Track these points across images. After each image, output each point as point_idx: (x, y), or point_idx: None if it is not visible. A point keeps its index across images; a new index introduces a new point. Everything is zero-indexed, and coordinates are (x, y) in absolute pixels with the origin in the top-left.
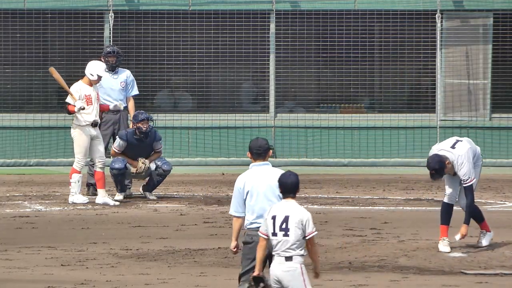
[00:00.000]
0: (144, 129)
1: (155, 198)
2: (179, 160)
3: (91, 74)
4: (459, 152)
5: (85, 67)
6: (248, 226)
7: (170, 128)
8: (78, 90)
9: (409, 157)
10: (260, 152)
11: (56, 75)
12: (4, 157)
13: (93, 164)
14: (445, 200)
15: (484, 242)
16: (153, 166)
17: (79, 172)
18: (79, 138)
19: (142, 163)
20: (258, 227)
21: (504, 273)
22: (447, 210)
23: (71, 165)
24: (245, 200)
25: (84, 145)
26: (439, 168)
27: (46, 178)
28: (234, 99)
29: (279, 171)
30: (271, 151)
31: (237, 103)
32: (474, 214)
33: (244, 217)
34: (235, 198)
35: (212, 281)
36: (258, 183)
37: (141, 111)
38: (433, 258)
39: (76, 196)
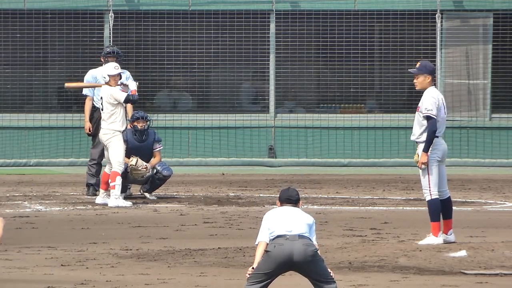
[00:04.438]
0: (139, 127)
1: (155, 198)
2: (179, 160)
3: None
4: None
5: (85, 67)
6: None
7: (170, 128)
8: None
9: (409, 157)
10: (290, 201)
11: (75, 84)
12: (4, 157)
13: (93, 164)
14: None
15: (422, 241)
16: (153, 171)
17: (120, 175)
18: (118, 143)
19: (144, 167)
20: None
21: (504, 273)
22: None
23: (71, 165)
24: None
25: (123, 148)
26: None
27: (46, 178)
28: (234, 99)
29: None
30: (301, 202)
31: (237, 103)
32: (434, 209)
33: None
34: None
35: (212, 281)
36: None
37: (138, 110)
38: (433, 258)
39: (120, 200)
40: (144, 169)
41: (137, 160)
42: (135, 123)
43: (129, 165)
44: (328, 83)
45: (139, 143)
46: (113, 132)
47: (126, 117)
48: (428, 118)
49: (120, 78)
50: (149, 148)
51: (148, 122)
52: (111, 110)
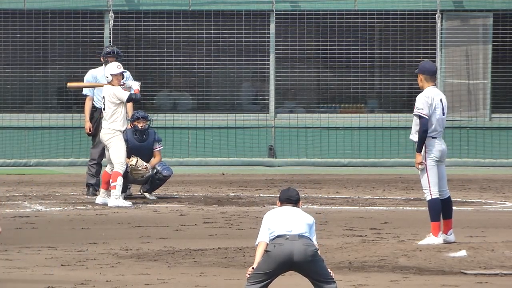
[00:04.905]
0: (140, 127)
1: (155, 198)
2: (179, 160)
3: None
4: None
5: (85, 67)
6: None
7: (170, 128)
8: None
9: (409, 157)
10: (290, 201)
11: (76, 84)
12: (4, 157)
13: (93, 164)
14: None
15: (422, 241)
16: (153, 170)
17: (121, 175)
18: (119, 143)
19: (144, 168)
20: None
21: (504, 273)
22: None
23: (71, 165)
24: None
25: (124, 148)
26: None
27: (46, 178)
28: (234, 99)
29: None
30: (301, 202)
31: (237, 103)
32: (434, 209)
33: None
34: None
35: (212, 281)
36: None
37: (138, 110)
38: (433, 258)
39: (120, 200)
40: (144, 169)
41: (137, 160)
42: (136, 123)
43: (129, 165)
44: (328, 83)
45: (140, 143)
46: (113, 132)
47: (126, 117)
48: (419, 117)
49: (123, 78)
50: (149, 148)
51: (148, 122)
52: (113, 110)
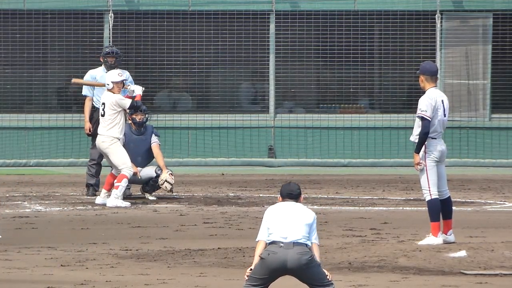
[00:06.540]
0: (138, 119)
1: (154, 198)
2: (179, 160)
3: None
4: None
5: (85, 67)
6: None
7: (170, 128)
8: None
9: (409, 157)
10: (292, 196)
11: (81, 81)
12: (4, 157)
13: (93, 164)
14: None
15: (422, 242)
16: (153, 174)
17: (128, 178)
18: (120, 149)
19: (167, 182)
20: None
21: (504, 273)
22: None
23: (71, 165)
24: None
25: (126, 152)
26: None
27: (45, 179)
28: (234, 99)
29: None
30: (302, 197)
31: (236, 103)
32: (433, 210)
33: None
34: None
35: (212, 281)
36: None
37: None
38: (433, 258)
39: (119, 200)
40: (172, 178)
41: (171, 185)
42: (134, 116)
43: (168, 191)
44: (328, 83)
45: (137, 136)
46: (111, 139)
47: (124, 125)
48: (421, 119)
49: (124, 86)
50: (147, 142)
51: (146, 115)
52: (112, 117)
